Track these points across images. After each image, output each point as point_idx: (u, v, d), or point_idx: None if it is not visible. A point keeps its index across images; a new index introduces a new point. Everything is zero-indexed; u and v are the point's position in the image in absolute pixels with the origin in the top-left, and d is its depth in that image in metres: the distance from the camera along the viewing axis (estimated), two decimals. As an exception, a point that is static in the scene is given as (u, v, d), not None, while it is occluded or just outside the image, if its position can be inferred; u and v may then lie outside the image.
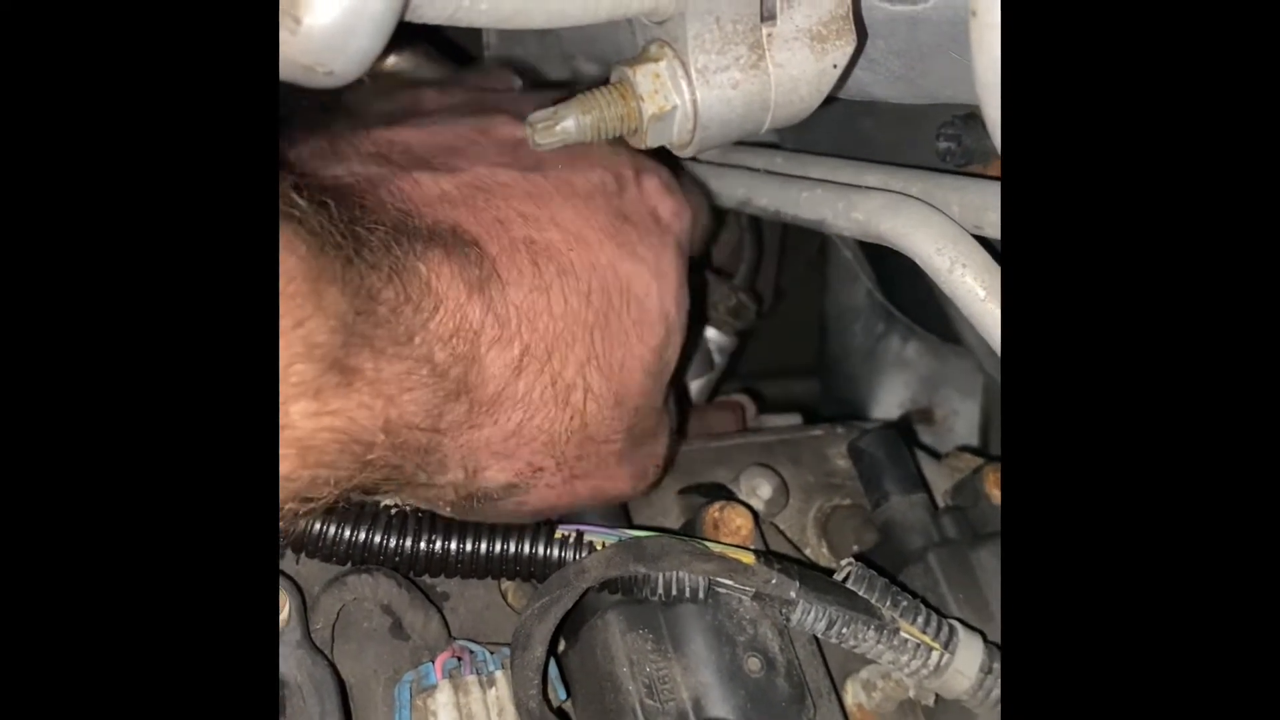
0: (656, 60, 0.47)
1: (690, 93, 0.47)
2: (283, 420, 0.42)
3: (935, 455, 0.82)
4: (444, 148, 0.57)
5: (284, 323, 0.41)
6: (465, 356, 0.50)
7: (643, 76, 0.47)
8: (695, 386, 0.95)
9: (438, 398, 0.49)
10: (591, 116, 0.48)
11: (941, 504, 0.75)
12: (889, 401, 1.12)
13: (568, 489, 0.58)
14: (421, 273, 0.48)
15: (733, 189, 0.72)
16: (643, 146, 0.50)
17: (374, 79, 0.64)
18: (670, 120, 0.48)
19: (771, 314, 1.18)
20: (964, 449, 0.81)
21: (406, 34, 0.40)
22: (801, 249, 1.29)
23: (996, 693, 0.58)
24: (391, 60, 0.73)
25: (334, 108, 0.62)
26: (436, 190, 0.53)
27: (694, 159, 0.78)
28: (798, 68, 0.47)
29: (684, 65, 0.46)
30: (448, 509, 0.56)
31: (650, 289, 0.58)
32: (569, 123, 0.47)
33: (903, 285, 1.09)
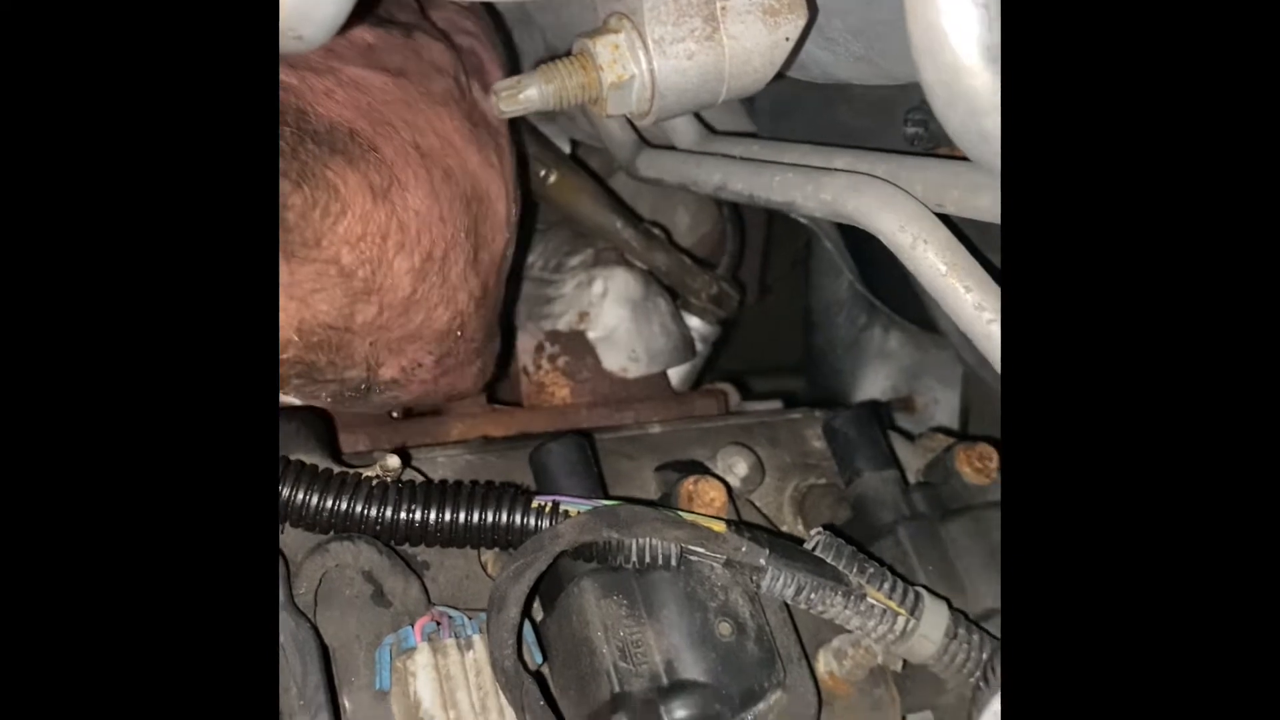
0: (615, 32, 0.49)
1: (648, 63, 0.49)
2: None
3: (910, 437, 0.84)
4: None
5: None
6: (372, 259, 0.53)
7: (602, 47, 0.49)
8: (678, 374, 0.97)
9: (347, 298, 0.52)
10: (554, 85, 0.50)
11: (914, 481, 0.76)
12: (872, 391, 1.14)
13: (434, 385, 0.62)
14: (329, 179, 0.51)
15: (709, 175, 0.74)
16: (604, 114, 0.52)
17: None
18: (629, 89, 0.51)
19: (758, 311, 1.20)
20: (937, 430, 0.82)
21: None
22: (788, 247, 1.31)
23: (961, 657, 0.60)
24: None
25: None
26: (322, 86, 0.55)
27: (673, 148, 0.80)
28: (751, 40, 0.49)
29: (641, 37, 0.48)
30: (328, 400, 0.59)
31: (500, 194, 0.63)
32: (532, 91, 0.50)
33: (884, 277, 1.11)
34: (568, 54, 0.51)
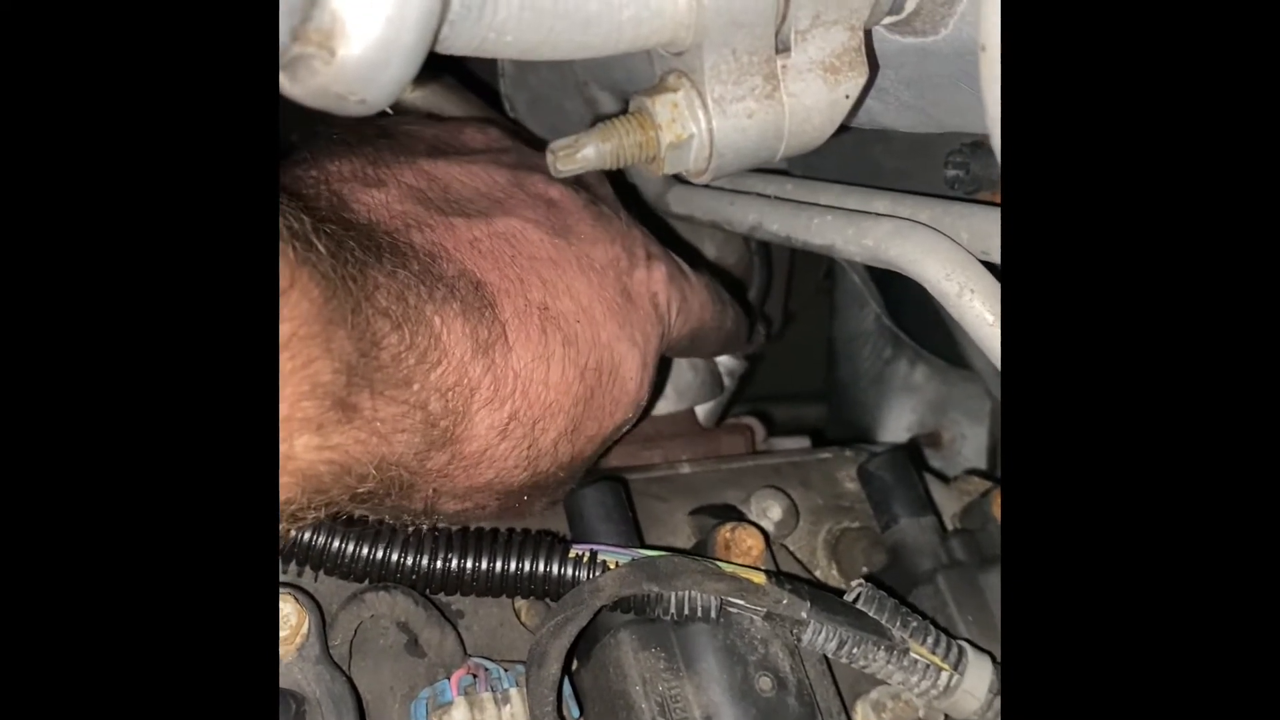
0: (674, 90, 0.49)
1: (707, 122, 0.49)
2: (287, 451, 0.45)
3: (944, 479, 0.83)
4: (481, 194, 0.60)
5: (295, 362, 0.43)
6: (457, 411, 0.52)
7: (661, 106, 0.49)
8: (705, 410, 0.96)
9: (425, 443, 0.51)
10: (611, 144, 0.49)
11: (950, 527, 0.75)
12: (897, 425, 1.13)
13: (497, 517, 0.61)
14: (435, 326, 0.51)
15: (744, 215, 0.73)
16: (660, 174, 0.51)
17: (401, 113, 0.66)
18: (687, 149, 0.50)
19: (780, 339, 1.19)
20: (972, 472, 0.82)
21: (433, 64, 0.42)
22: (810, 274, 1.31)
23: (1005, 713, 0.59)
24: (417, 94, 0.75)
25: (379, 131, 0.65)
26: (469, 236, 0.56)
27: (705, 185, 0.80)
28: (811, 98, 0.49)
29: (701, 95, 0.48)
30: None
31: (635, 373, 0.62)
32: (589, 150, 0.49)
33: (910, 310, 1.10)
34: (624, 112, 0.50)
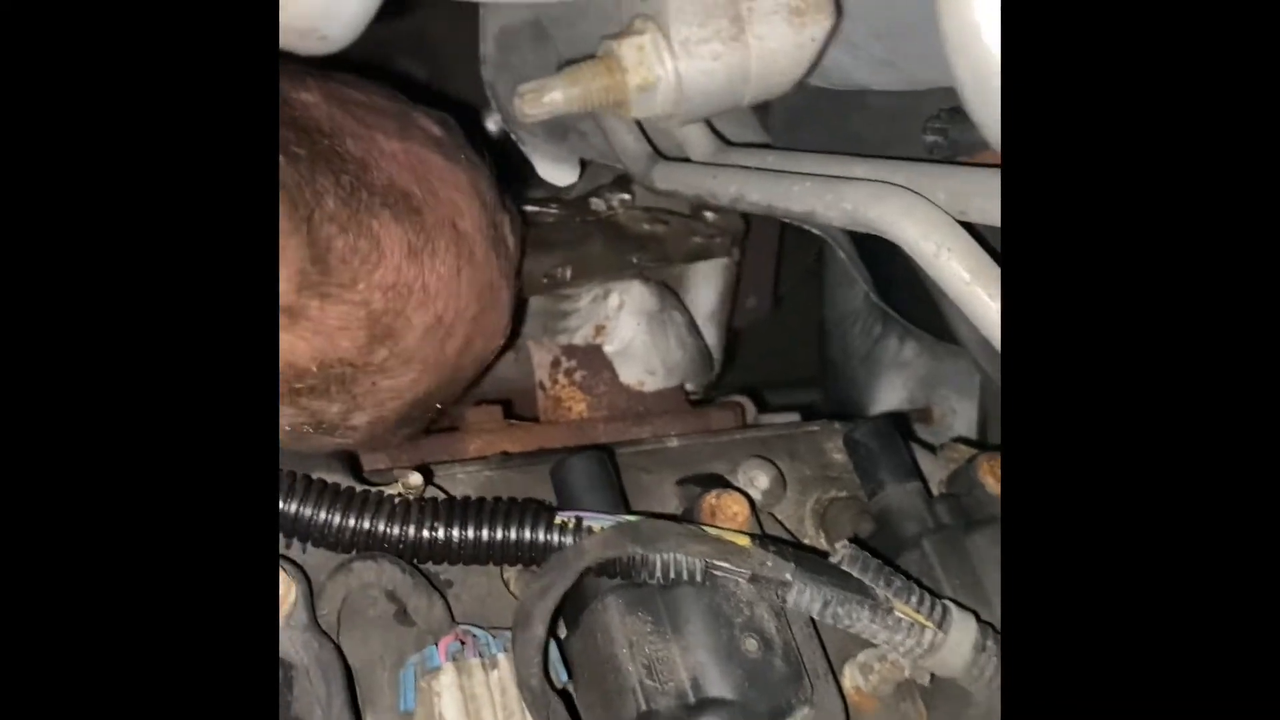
0: (640, 34, 0.49)
1: (673, 64, 0.49)
2: None
3: (932, 450, 0.83)
4: (385, 113, 0.64)
5: None
6: (396, 310, 0.57)
7: (627, 49, 0.49)
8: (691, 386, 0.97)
9: (369, 338, 0.56)
10: (579, 88, 0.50)
11: (936, 493, 0.76)
12: (888, 402, 1.14)
13: (376, 442, 0.67)
14: (374, 229, 0.55)
15: (726, 187, 0.73)
16: (629, 118, 0.52)
17: None
18: (654, 91, 0.51)
19: (771, 323, 1.20)
20: (959, 440, 0.82)
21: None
22: (799, 258, 1.31)
23: (990, 670, 0.59)
24: None
25: None
26: (389, 148, 0.60)
27: (686, 160, 0.80)
28: (777, 40, 0.49)
29: (667, 38, 0.49)
30: (285, 429, 0.60)
31: (506, 304, 0.68)
32: (556, 94, 0.50)
33: (899, 287, 1.10)
34: (591, 57, 0.51)
